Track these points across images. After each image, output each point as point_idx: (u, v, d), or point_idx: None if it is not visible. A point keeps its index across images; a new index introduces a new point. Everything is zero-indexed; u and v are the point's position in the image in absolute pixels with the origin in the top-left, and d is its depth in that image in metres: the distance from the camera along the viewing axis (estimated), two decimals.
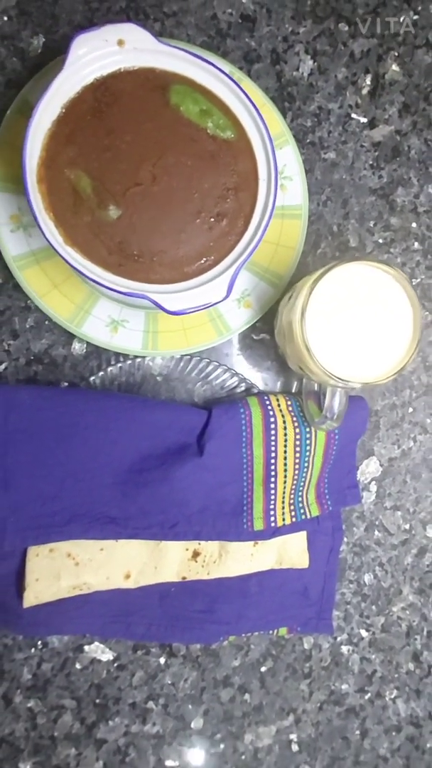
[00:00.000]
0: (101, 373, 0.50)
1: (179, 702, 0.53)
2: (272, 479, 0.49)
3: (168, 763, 0.53)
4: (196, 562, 0.50)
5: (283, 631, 0.52)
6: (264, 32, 0.52)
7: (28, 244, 0.48)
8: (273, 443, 0.49)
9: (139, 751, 0.53)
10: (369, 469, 0.55)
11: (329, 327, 0.42)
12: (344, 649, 0.55)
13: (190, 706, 0.53)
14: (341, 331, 0.42)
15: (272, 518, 0.50)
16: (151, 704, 0.53)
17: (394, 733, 0.56)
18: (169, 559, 0.50)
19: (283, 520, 0.50)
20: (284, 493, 0.50)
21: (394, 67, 0.54)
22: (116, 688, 0.53)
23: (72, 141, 0.42)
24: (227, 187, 0.44)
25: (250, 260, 0.45)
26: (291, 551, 0.51)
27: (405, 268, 0.55)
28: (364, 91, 0.54)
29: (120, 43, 0.42)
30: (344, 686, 0.55)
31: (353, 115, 0.54)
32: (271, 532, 0.50)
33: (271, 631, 0.52)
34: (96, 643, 0.52)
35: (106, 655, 0.53)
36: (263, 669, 0.54)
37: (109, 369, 0.50)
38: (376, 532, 0.55)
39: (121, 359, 0.51)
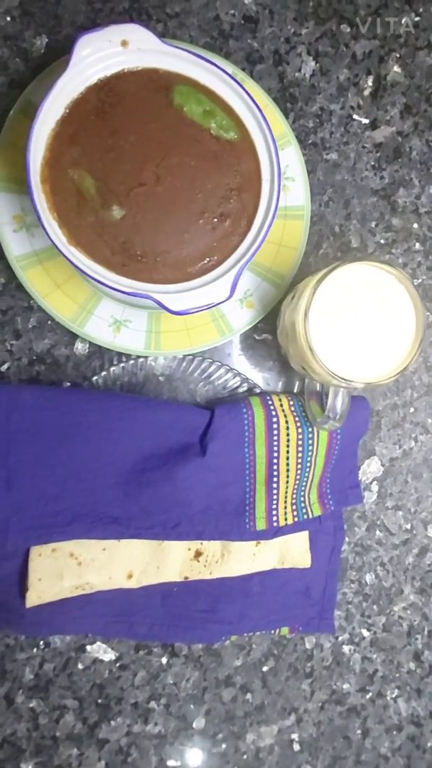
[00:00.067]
0: (104, 373, 0.50)
1: (181, 702, 0.53)
2: (275, 479, 0.49)
3: (170, 763, 0.53)
4: (199, 561, 0.50)
5: (284, 630, 0.52)
6: (266, 33, 0.52)
7: (30, 244, 0.49)
8: (275, 443, 0.49)
9: (141, 751, 0.53)
10: (370, 469, 0.55)
11: (332, 327, 0.42)
12: (346, 648, 0.55)
13: (191, 706, 0.53)
14: (344, 331, 0.42)
15: (274, 518, 0.50)
16: (153, 704, 0.53)
17: (395, 733, 0.56)
18: (171, 559, 0.50)
19: (286, 519, 0.50)
20: (286, 492, 0.50)
21: (396, 68, 0.54)
22: (118, 688, 0.53)
23: (76, 141, 0.42)
24: (230, 188, 0.44)
25: (252, 260, 0.45)
26: (293, 551, 0.51)
27: (406, 268, 0.55)
28: (366, 93, 0.54)
29: (124, 43, 0.42)
30: (346, 686, 0.55)
31: (355, 116, 0.54)
32: (274, 531, 0.50)
33: (272, 631, 0.52)
34: (98, 643, 0.53)
35: (108, 655, 0.53)
36: (265, 669, 0.54)
37: (112, 369, 0.50)
38: (378, 532, 0.56)
39: (124, 359, 0.51)
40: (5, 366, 0.51)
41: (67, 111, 0.42)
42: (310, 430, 0.49)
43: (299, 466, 0.50)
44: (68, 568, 0.48)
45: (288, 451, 0.49)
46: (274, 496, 0.50)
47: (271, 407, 0.49)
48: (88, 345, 0.52)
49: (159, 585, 0.50)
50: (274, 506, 0.50)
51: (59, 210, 0.42)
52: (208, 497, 0.49)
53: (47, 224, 0.41)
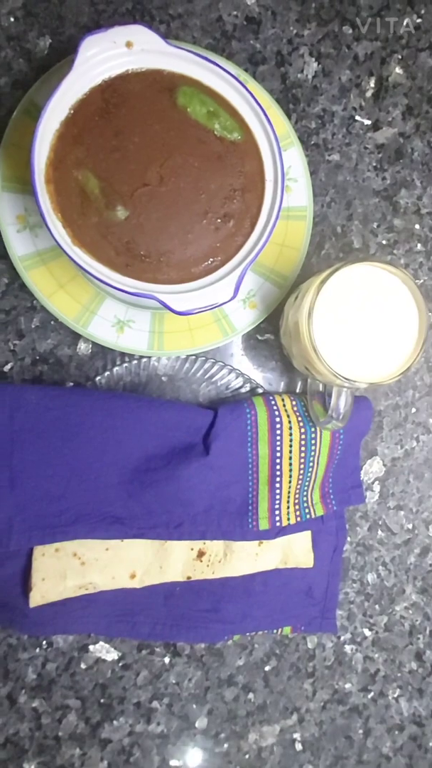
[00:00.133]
0: (107, 373, 0.50)
1: (183, 701, 0.53)
2: (277, 479, 0.49)
3: (172, 762, 0.53)
4: (201, 561, 0.51)
5: (287, 630, 0.53)
6: (269, 34, 0.53)
7: (34, 244, 0.49)
8: (278, 443, 0.49)
9: (144, 750, 0.53)
10: (372, 469, 0.56)
11: (336, 327, 0.42)
12: (347, 648, 0.55)
13: (194, 706, 0.53)
14: (348, 331, 0.43)
15: (277, 518, 0.50)
16: (155, 704, 0.53)
17: (396, 732, 0.56)
18: (174, 559, 0.50)
19: (288, 519, 0.50)
20: (289, 492, 0.50)
21: (398, 69, 0.54)
22: (121, 687, 0.53)
23: (80, 142, 0.42)
24: (234, 189, 0.44)
25: (255, 261, 0.45)
26: (296, 550, 0.51)
27: (408, 269, 0.55)
28: (368, 94, 0.54)
29: (128, 44, 0.42)
30: (347, 685, 0.55)
31: (357, 118, 0.54)
32: (276, 531, 0.50)
33: (275, 631, 0.52)
34: (101, 643, 0.53)
35: (111, 655, 0.53)
36: (267, 668, 0.54)
37: (115, 369, 0.51)
38: (379, 532, 0.56)
39: (127, 359, 0.51)
40: (8, 366, 0.51)
41: (72, 112, 0.42)
42: (312, 430, 0.50)
43: (302, 466, 0.50)
44: (71, 568, 0.48)
45: (291, 451, 0.49)
46: (277, 496, 0.50)
47: (274, 407, 0.49)
48: (91, 345, 0.52)
49: (162, 585, 0.50)
50: (276, 506, 0.50)
51: (63, 210, 0.42)
52: (211, 497, 0.49)
53: (51, 224, 0.41)
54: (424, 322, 0.42)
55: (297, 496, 0.50)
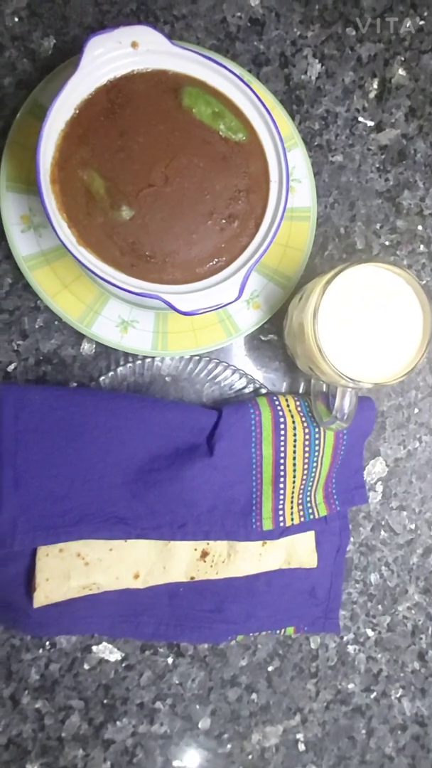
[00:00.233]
0: (110, 374, 0.50)
1: (187, 702, 0.53)
2: (281, 479, 0.50)
3: (175, 763, 0.53)
4: (205, 562, 0.51)
5: (290, 630, 0.53)
6: (272, 36, 0.53)
7: (38, 244, 0.49)
8: (282, 443, 0.49)
9: (147, 751, 0.53)
10: (375, 470, 0.56)
11: (341, 328, 0.42)
12: (350, 648, 0.55)
13: (197, 706, 0.53)
14: (352, 331, 0.43)
15: (281, 518, 0.50)
16: (158, 704, 0.53)
17: (399, 732, 0.56)
18: (177, 559, 0.50)
19: (292, 519, 0.50)
20: (293, 493, 0.50)
21: (401, 71, 0.54)
22: (124, 688, 0.53)
23: (85, 142, 0.42)
24: (239, 189, 0.44)
25: (259, 262, 0.45)
26: (300, 551, 0.52)
27: (411, 270, 0.55)
28: (371, 95, 0.54)
29: (134, 45, 0.42)
30: (350, 685, 0.55)
31: (360, 119, 0.54)
32: (280, 531, 0.50)
33: (278, 631, 0.52)
34: (104, 644, 0.52)
35: (114, 656, 0.53)
36: (270, 668, 0.54)
37: (119, 369, 0.51)
38: (382, 532, 0.56)
39: (131, 360, 0.51)
40: (12, 366, 0.51)
41: (77, 112, 0.42)
42: (316, 430, 0.50)
43: (306, 466, 0.50)
44: (75, 569, 0.48)
45: (295, 451, 0.49)
46: (281, 497, 0.50)
47: (278, 407, 0.49)
48: (94, 345, 0.52)
49: (165, 585, 0.50)
50: (280, 506, 0.50)
51: (68, 210, 0.42)
52: (214, 497, 0.49)
53: (57, 224, 0.41)
54: (428, 323, 0.42)
55: (301, 496, 0.50)
